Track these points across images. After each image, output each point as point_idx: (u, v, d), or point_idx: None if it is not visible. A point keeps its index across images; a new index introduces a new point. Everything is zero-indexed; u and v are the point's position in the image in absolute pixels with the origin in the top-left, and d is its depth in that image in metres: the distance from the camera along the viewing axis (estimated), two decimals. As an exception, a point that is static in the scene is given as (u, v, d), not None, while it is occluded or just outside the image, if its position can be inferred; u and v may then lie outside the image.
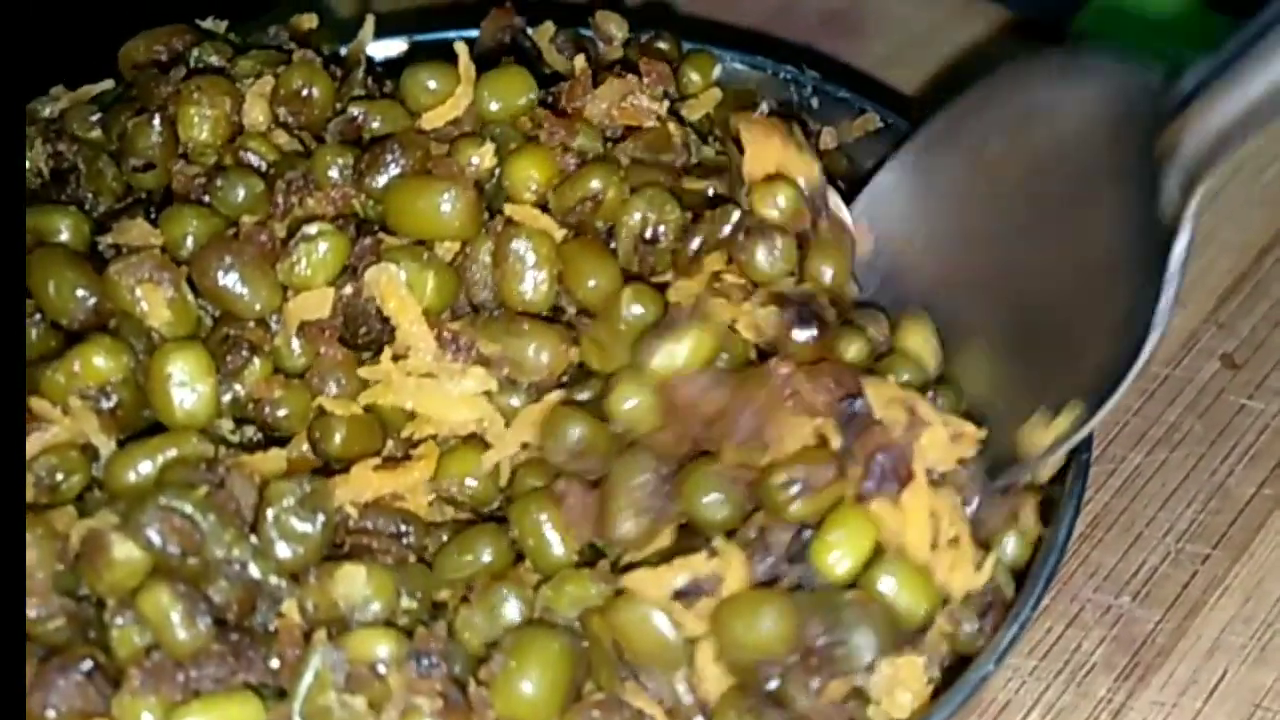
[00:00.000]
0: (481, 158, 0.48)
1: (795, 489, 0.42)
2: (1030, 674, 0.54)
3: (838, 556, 0.42)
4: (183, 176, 0.50)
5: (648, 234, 0.49)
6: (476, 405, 0.46)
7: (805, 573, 0.43)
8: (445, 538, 0.45)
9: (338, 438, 0.46)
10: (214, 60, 0.53)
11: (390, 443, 0.47)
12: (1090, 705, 0.53)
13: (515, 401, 0.46)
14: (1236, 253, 0.67)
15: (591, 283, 0.48)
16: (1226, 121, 0.34)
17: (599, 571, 0.43)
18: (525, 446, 0.46)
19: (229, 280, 0.46)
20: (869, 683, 0.42)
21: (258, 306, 0.47)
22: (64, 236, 0.49)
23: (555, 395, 0.46)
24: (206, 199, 0.49)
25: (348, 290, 0.46)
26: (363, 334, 0.47)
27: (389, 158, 0.48)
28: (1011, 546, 0.46)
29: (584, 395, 0.46)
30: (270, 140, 0.51)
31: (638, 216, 0.49)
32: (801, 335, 0.44)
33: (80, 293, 0.46)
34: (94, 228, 0.50)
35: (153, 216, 0.49)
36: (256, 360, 0.47)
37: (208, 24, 0.56)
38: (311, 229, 0.47)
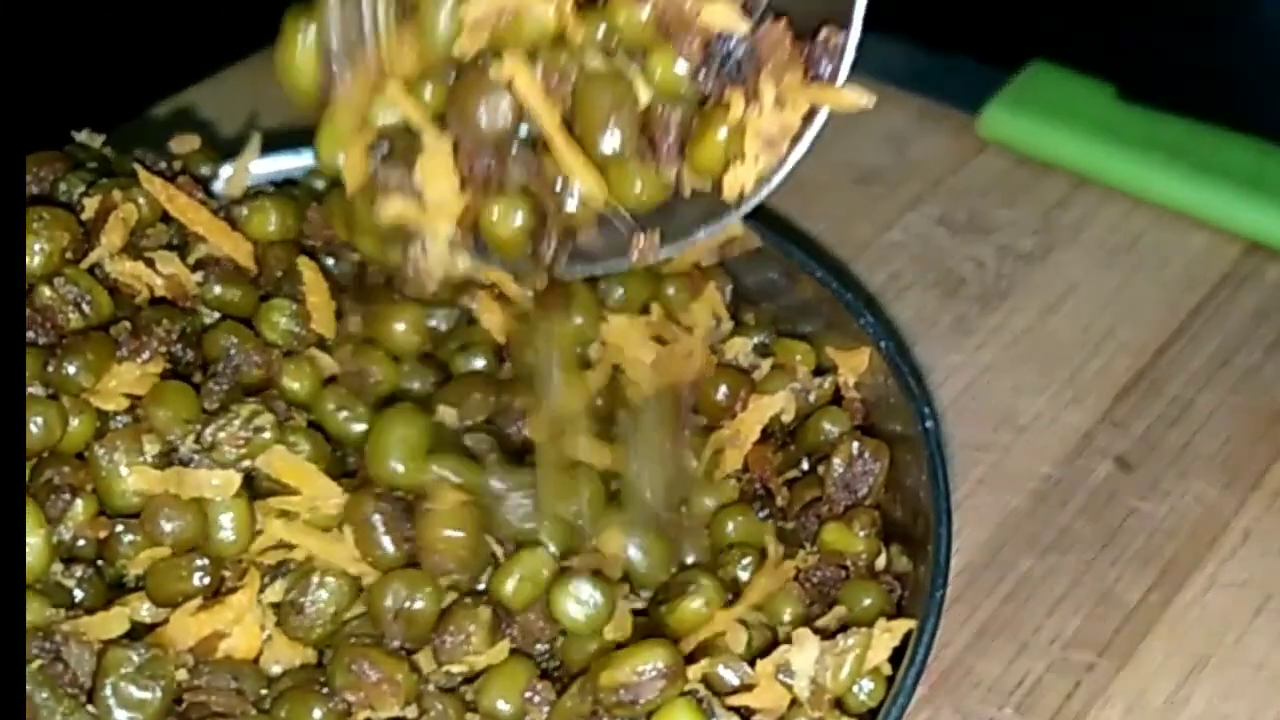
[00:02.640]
0: None
1: (627, 697, 0.43)
2: (910, 788, 0.54)
3: None
4: None
5: None
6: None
7: None
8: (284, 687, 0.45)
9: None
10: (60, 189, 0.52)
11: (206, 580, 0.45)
12: (968, 820, 0.53)
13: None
14: (1134, 351, 0.68)
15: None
16: None
17: None
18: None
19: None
20: None
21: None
22: None
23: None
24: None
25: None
26: None
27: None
28: (866, 688, 0.46)
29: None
30: (112, 267, 0.50)
31: None
32: None
33: None
34: None
35: None
36: (79, 502, 0.46)
37: (83, 137, 0.55)
38: (258, 423, 0.46)
